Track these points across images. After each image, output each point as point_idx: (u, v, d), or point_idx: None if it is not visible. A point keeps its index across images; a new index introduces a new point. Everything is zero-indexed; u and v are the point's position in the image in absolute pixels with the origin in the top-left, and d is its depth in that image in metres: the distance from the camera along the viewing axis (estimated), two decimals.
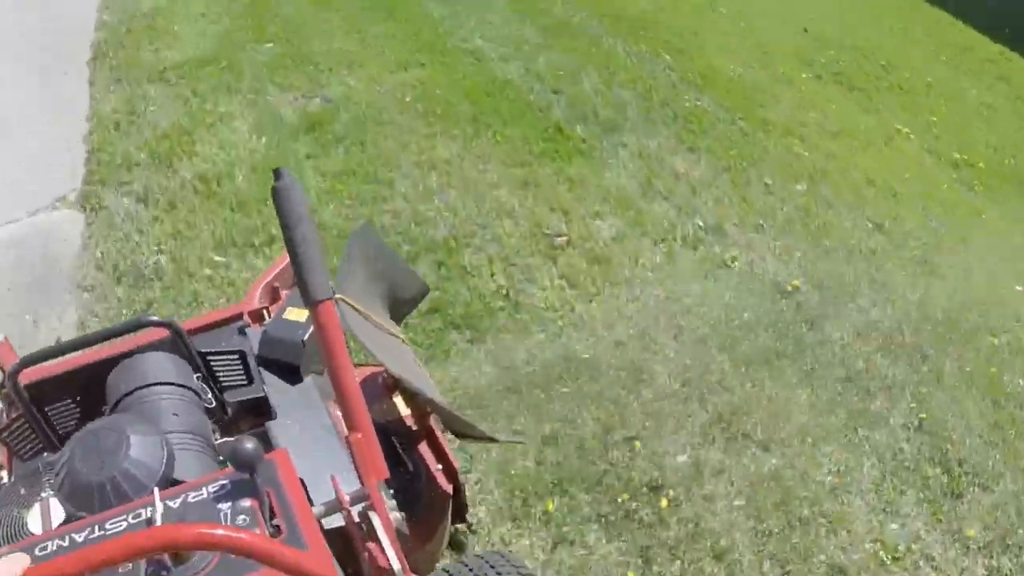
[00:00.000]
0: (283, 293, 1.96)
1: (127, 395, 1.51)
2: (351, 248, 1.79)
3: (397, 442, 1.93)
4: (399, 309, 1.93)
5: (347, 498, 1.33)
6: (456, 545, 2.25)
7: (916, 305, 3.39)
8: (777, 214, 3.89)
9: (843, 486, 2.57)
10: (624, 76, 4.96)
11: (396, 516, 1.32)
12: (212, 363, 1.68)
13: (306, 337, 1.69)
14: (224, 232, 3.51)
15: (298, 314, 1.72)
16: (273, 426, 1.64)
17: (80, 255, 3.49)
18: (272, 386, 1.70)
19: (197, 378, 1.62)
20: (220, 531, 0.99)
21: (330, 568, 1.14)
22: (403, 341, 1.93)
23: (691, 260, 3.55)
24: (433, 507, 1.90)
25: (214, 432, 1.58)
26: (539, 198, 3.82)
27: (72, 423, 1.57)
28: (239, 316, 1.90)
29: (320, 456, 1.54)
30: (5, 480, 1.53)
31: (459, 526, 2.23)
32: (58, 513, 1.30)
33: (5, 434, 1.52)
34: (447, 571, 1.80)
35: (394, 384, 1.99)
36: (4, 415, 1.62)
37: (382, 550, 1.27)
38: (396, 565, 1.26)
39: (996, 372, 3.06)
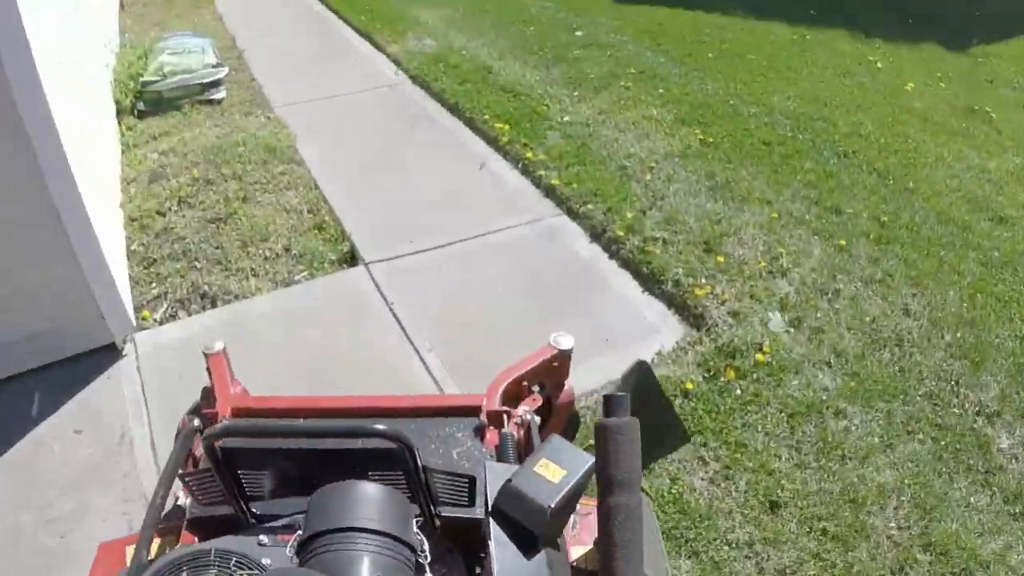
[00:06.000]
0: (533, 394, 1.77)
1: (324, 532, 1.13)
2: (625, 380, 1.65)
3: None
4: (652, 453, 1.65)
5: None
6: None
7: None
8: None
9: None
10: None
11: None
12: (436, 480, 1.38)
13: (554, 504, 1.34)
14: None
15: (552, 471, 1.37)
16: None
17: None
18: (502, 548, 1.34)
19: (416, 522, 1.25)
20: None
21: None
22: (644, 492, 1.63)
23: None
24: None
25: (421, 545, 1.22)
26: None
27: (261, 492, 1.36)
28: (476, 410, 1.67)
29: None
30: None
31: None
32: None
33: (188, 479, 1.37)
34: None
35: None
36: (190, 460, 1.60)
37: None
38: None
39: None
